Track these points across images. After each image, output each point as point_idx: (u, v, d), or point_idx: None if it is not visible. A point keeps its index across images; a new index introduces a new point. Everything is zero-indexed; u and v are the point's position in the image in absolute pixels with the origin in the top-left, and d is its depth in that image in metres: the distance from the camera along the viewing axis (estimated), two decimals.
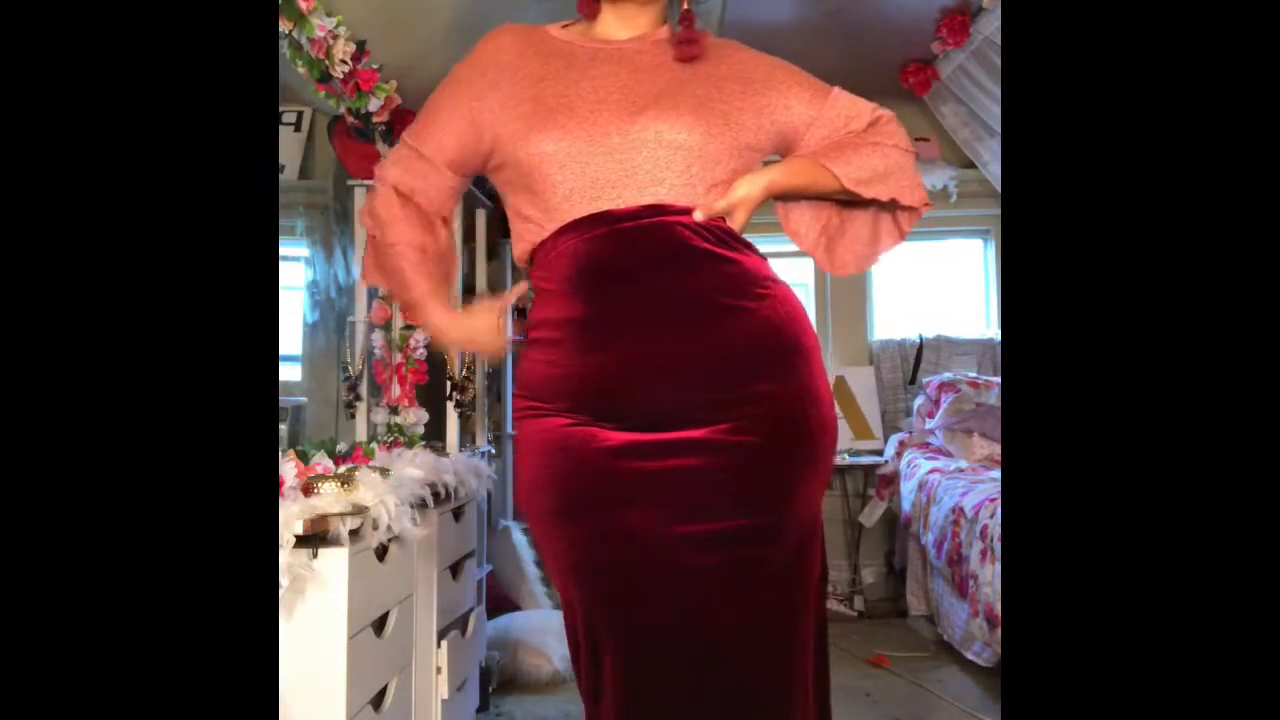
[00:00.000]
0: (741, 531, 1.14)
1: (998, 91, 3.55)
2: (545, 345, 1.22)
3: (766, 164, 1.32)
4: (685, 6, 1.28)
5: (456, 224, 2.50)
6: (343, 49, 2.02)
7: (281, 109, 2.30)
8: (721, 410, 1.16)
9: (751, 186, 1.24)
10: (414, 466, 1.98)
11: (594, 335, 1.18)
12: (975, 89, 3.68)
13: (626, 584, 1.14)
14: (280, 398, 2.08)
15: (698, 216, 1.20)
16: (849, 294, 4.19)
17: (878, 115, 1.36)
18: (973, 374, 3.93)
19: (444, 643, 2.02)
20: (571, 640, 1.22)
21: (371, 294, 2.41)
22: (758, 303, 1.21)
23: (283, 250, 2.11)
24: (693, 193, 1.21)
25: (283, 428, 2.19)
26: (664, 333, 1.16)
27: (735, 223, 1.25)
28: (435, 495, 2.00)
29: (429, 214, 1.33)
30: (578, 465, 1.17)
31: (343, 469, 1.62)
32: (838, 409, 4.36)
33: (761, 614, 1.15)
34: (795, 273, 4.13)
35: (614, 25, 1.30)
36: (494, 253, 3.69)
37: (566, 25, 1.34)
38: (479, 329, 1.32)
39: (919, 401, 3.97)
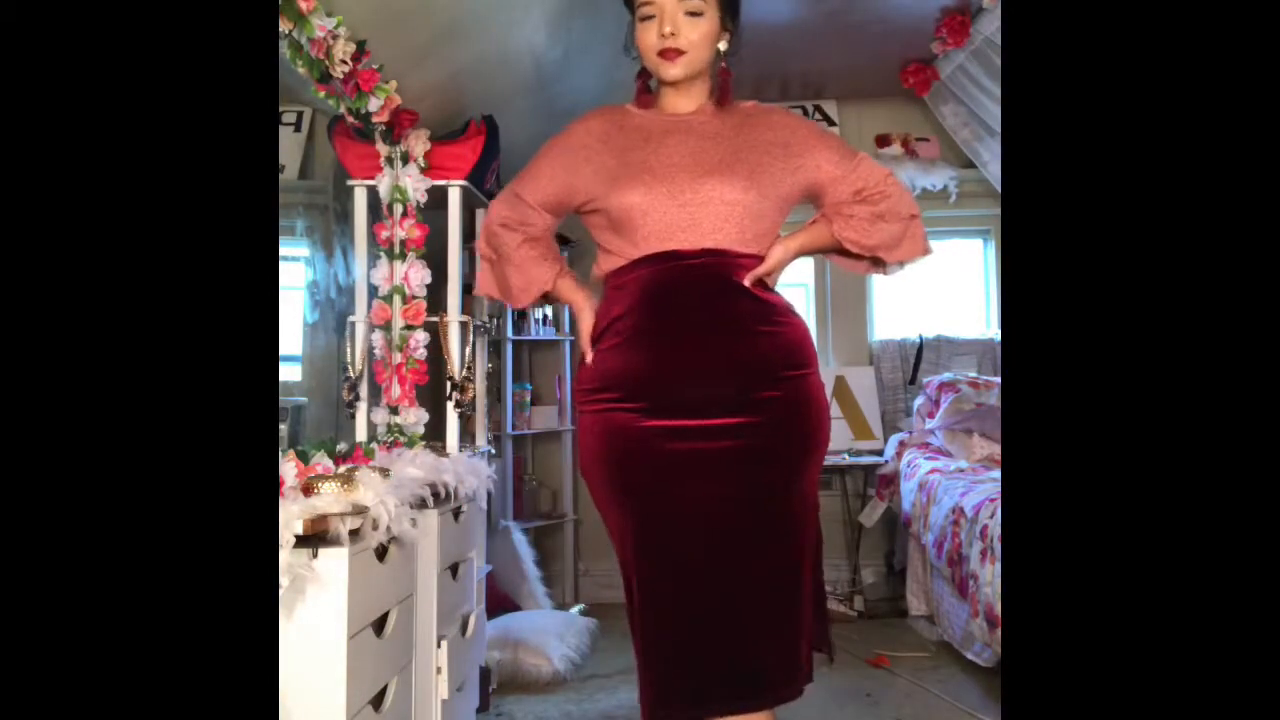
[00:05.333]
0: (750, 498, 1.50)
1: (998, 91, 3.55)
2: (612, 347, 1.56)
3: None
4: (723, 65, 1.63)
5: (455, 224, 2.50)
6: (343, 49, 2.01)
7: (281, 109, 2.29)
8: (744, 406, 1.51)
9: (784, 253, 1.59)
10: (414, 466, 1.98)
11: (651, 340, 1.53)
12: (975, 89, 3.68)
13: (659, 529, 1.50)
14: (280, 398, 2.08)
15: (748, 282, 1.54)
16: (849, 294, 4.19)
17: (887, 189, 1.64)
18: (973, 374, 3.93)
19: (444, 643, 2.02)
20: (622, 573, 1.56)
21: (371, 294, 2.41)
22: (778, 328, 1.56)
23: (283, 250, 2.10)
24: (743, 238, 1.56)
25: (283, 428, 2.19)
26: (705, 343, 1.52)
27: (771, 280, 1.60)
28: (435, 495, 2.00)
29: (524, 235, 1.67)
30: (628, 443, 1.52)
31: (343, 469, 1.62)
32: (839, 409, 4.32)
33: (763, 555, 1.49)
34: (795, 273, 4.14)
35: (677, 100, 1.63)
36: None
37: (636, 105, 1.67)
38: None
39: (919, 401, 3.97)
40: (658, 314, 1.53)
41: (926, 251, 1.68)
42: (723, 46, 1.61)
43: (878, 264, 1.69)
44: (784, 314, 1.59)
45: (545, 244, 1.69)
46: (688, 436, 1.49)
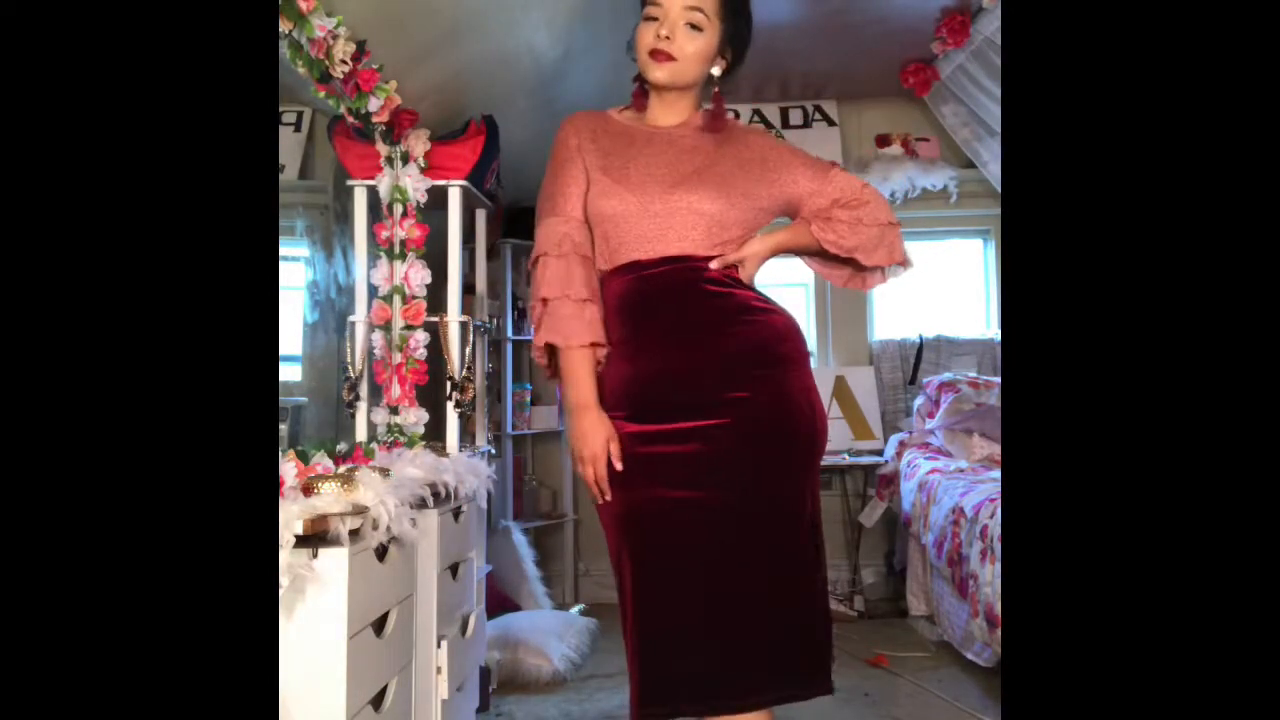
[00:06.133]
0: (727, 502, 1.51)
1: (998, 91, 3.55)
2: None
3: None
4: (716, 90, 1.65)
5: (455, 224, 2.50)
6: (343, 49, 2.01)
7: (281, 109, 2.29)
8: (713, 408, 1.53)
9: (760, 245, 1.62)
10: (414, 466, 1.98)
11: (625, 351, 1.58)
12: (975, 89, 3.68)
13: (641, 531, 1.54)
14: (280, 398, 2.08)
15: (714, 265, 1.58)
16: (849, 294, 4.18)
17: (865, 197, 1.67)
18: (973, 374, 3.93)
19: (444, 643, 2.02)
20: (612, 559, 1.61)
21: (371, 294, 2.41)
22: (748, 326, 1.57)
23: (283, 250, 2.10)
24: (710, 245, 1.58)
25: (283, 428, 2.19)
26: (670, 348, 1.56)
27: (745, 271, 1.61)
28: (435, 495, 2.00)
29: (589, 257, 1.61)
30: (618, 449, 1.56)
31: (343, 469, 1.62)
32: (839, 409, 4.31)
33: (744, 558, 1.50)
34: (795, 273, 4.14)
35: (661, 113, 1.67)
36: (494, 253, 3.69)
37: (622, 110, 1.71)
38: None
39: (919, 401, 3.97)
40: (629, 324, 1.58)
41: (905, 261, 1.70)
42: (716, 71, 1.63)
43: (856, 274, 1.73)
44: (757, 311, 1.60)
45: (594, 293, 1.61)
46: (660, 440, 1.52)
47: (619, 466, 1.55)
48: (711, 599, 1.49)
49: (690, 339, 1.55)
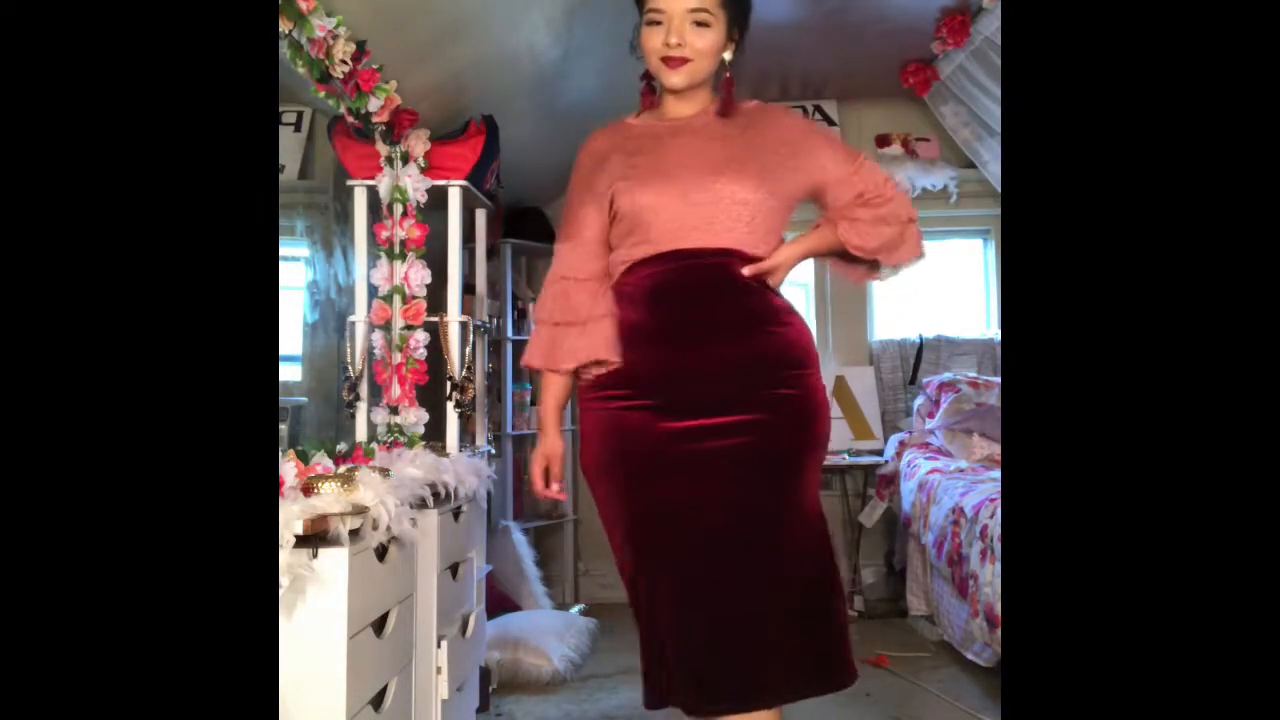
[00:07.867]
0: (757, 493, 1.51)
1: (998, 91, 3.55)
2: (622, 344, 1.57)
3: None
4: (727, 75, 1.63)
5: (455, 224, 2.50)
6: (343, 49, 2.01)
7: (281, 109, 2.29)
8: (755, 403, 1.52)
9: (788, 254, 1.62)
10: (414, 466, 1.98)
11: (663, 338, 1.55)
12: (975, 89, 3.68)
13: (666, 525, 1.52)
14: (280, 398, 2.08)
15: (747, 272, 1.56)
16: (849, 294, 4.19)
17: (888, 193, 1.66)
18: (973, 374, 3.93)
19: (444, 643, 2.02)
20: (624, 576, 1.58)
21: (371, 294, 2.41)
22: (781, 328, 1.59)
23: (283, 250, 2.10)
24: (753, 237, 1.57)
25: (283, 428, 2.19)
26: (717, 342, 1.54)
27: (775, 279, 1.62)
28: (435, 495, 2.00)
29: (593, 289, 1.62)
30: (632, 441, 1.54)
31: (343, 469, 1.62)
32: (839, 409, 4.32)
33: (768, 554, 1.50)
34: (795, 273, 4.12)
35: (679, 106, 1.65)
36: (494, 253, 3.69)
37: (636, 115, 1.71)
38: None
39: (919, 401, 3.97)
40: (669, 312, 1.55)
41: (921, 255, 1.70)
42: (727, 56, 1.62)
43: (872, 271, 1.72)
44: (789, 314, 1.62)
45: (591, 316, 1.63)
46: (701, 436, 1.51)
47: (555, 488, 1.67)
48: (727, 597, 1.49)
49: (740, 332, 1.55)
